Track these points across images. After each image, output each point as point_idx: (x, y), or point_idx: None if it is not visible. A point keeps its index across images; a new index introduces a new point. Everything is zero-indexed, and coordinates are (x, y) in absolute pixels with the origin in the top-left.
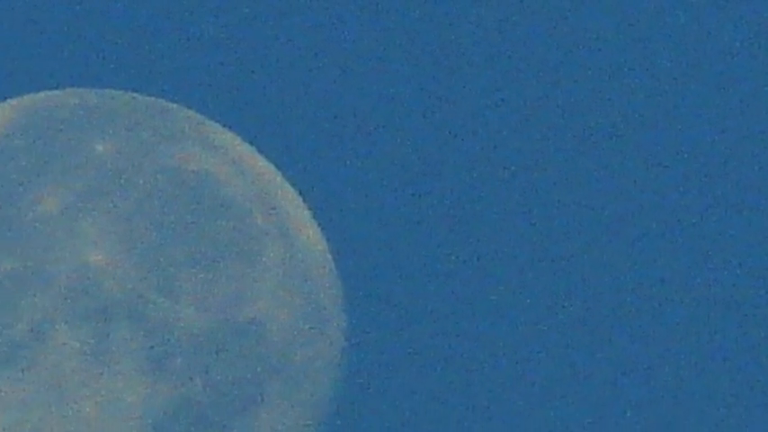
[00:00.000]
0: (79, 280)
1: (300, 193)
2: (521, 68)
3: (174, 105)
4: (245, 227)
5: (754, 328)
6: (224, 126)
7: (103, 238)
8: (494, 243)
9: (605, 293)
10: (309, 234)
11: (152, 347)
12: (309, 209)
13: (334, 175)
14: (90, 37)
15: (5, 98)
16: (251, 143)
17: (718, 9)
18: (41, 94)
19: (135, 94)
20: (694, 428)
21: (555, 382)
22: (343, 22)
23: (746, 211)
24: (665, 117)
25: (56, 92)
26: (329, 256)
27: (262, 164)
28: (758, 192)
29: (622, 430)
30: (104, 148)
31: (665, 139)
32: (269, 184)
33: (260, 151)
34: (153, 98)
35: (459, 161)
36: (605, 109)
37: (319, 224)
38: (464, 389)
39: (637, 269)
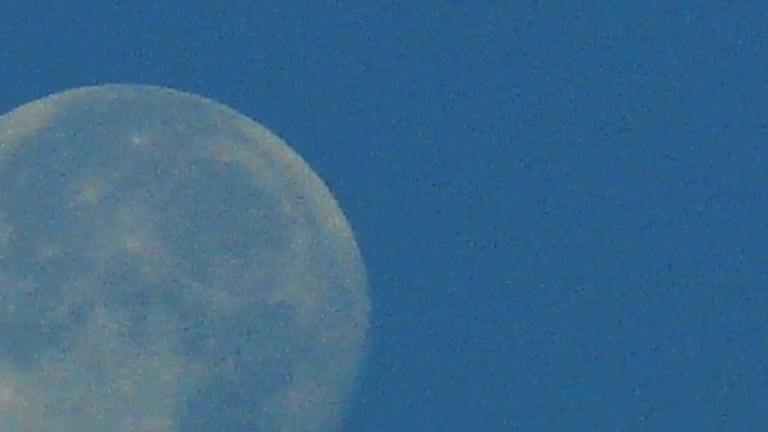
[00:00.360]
0: (117, 265)
1: (327, 183)
2: (536, 63)
3: (208, 100)
4: (274, 215)
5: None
6: (255, 120)
7: (140, 225)
8: (511, 230)
9: (619, 278)
10: (335, 222)
11: (186, 329)
12: (335, 198)
13: (359, 165)
14: (127, 35)
15: (47, 93)
16: (280, 136)
17: (720, 9)
18: (81, 90)
19: (170, 90)
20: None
21: (570, 362)
22: (367, 20)
23: (749, 203)
24: (680, 107)
25: (95, 87)
26: (354, 243)
27: (290, 155)
28: (761, 184)
29: (639, 410)
30: (141, 141)
31: (678, 131)
32: (297, 174)
33: (289, 144)
34: (187, 93)
35: (479, 152)
36: (623, 102)
37: (344, 212)
38: (482, 369)
39: (654, 260)
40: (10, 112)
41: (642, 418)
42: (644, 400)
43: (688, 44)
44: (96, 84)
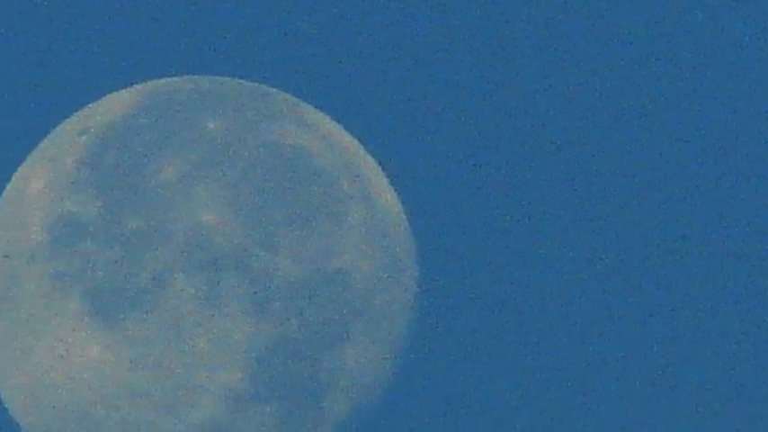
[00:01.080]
0: (194, 236)
1: (379, 164)
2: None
3: (274, 90)
4: (333, 192)
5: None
6: (315, 107)
7: (214, 201)
8: (543, 204)
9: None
10: (387, 198)
11: (255, 293)
12: (387, 176)
13: (408, 147)
14: (203, 33)
15: (132, 84)
16: (338, 121)
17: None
18: (162, 81)
19: (241, 80)
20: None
21: (594, 323)
22: (415, 19)
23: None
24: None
25: (174, 78)
26: (403, 216)
27: (347, 139)
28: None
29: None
30: (215, 126)
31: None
32: (353, 155)
33: (346, 128)
34: (256, 83)
35: (515, 136)
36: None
37: (395, 189)
38: (517, 328)
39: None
40: (99, 101)
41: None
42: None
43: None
44: (175, 75)
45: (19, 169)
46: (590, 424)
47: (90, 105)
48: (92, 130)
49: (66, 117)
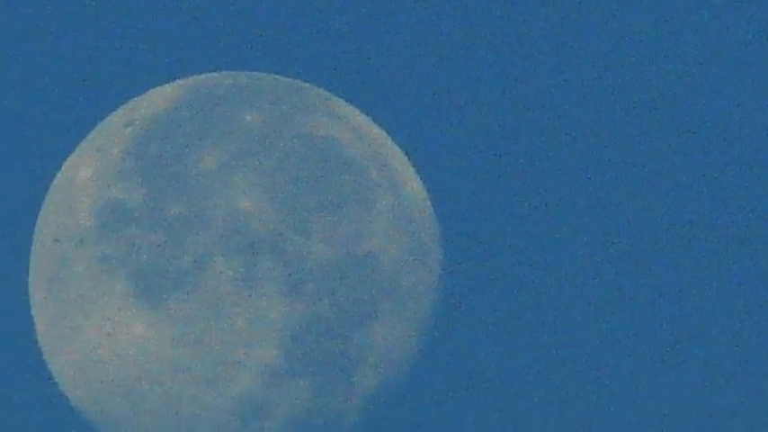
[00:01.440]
0: (232, 222)
1: (406, 154)
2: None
3: (307, 84)
4: (362, 180)
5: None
6: (346, 101)
7: (251, 188)
8: (562, 190)
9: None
10: (413, 186)
11: (289, 275)
12: (413, 166)
13: (433, 139)
14: (241, 31)
15: (174, 79)
16: (367, 114)
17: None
18: (203, 76)
19: (276, 76)
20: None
21: (616, 307)
22: (440, 18)
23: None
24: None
25: (214, 74)
26: (429, 203)
27: (376, 131)
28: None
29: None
30: (252, 118)
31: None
32: (382, 146)
33: (375, 121)
34: (290, 79)
35: (535, 128)
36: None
37: (421, 178)
38: (537, 308)
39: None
40: (143, 95)
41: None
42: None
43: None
44: (215, 71)
45: (68, 159)
46: (608, 398)
47: (135, 99)
48: (137, 122)
49: (113, 110)
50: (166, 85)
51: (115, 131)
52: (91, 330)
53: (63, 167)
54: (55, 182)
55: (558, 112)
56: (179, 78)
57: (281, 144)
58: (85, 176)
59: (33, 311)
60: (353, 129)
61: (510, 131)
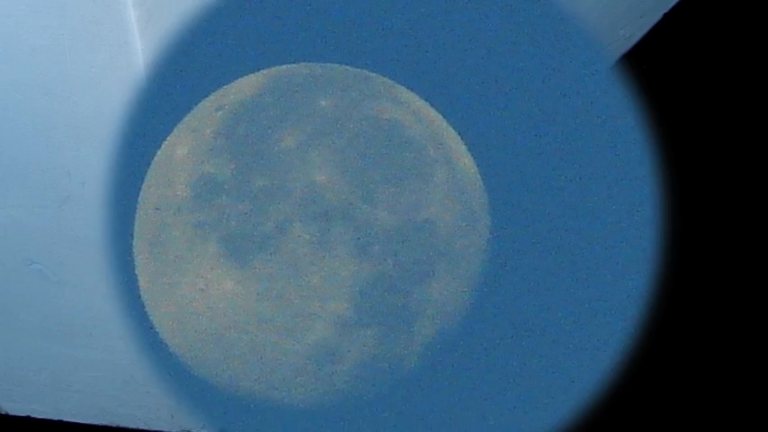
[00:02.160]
0: (309, 193)
1: (459, 134)
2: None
3: (374, 74)
4: (421, 157)
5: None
6: (408, 88)
7: (325, 164)
8: (592, 167)
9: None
10: (465, 162)
11: (358, 239)
12: (465, 144)
13: (483, 121)
14: (317, 28)
15: (259, 69)
16: (426, 99)
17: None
18: (283, 67)
19: (347, 67)
20: None
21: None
22: (488, 16)
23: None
24: None
25: (293, 65)
26: (479, 177)
27: (433, 114)
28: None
29: None
30: (326, 103)
31: None
32: (438, 127)
33: (432, 105)
34: (359, 69)
35: (571, 112)
36: None
37: (472, 155)
38: (572, 266)
39: None
40: (232, 83)
41: None
42: None
43: None
44: (294, 62)
45: (167, 138)
46: (640, 348)
47: (225, 87)
48: (226, 106)
49: (206, 96)
50: (252, 75)
51: (208, 115)
52: (186, 287)
53: (162, 146)
54: (155, 159)
55: (591, 97)
56: (263, 69)
57: (351, 126)
58: (182, 153)
59: (137, 270)
60: (414, 112)
61: (549, 114)
